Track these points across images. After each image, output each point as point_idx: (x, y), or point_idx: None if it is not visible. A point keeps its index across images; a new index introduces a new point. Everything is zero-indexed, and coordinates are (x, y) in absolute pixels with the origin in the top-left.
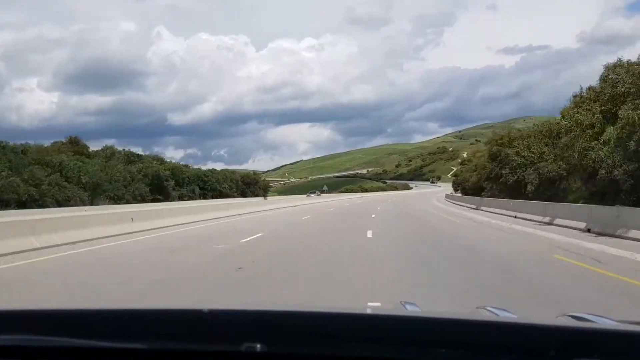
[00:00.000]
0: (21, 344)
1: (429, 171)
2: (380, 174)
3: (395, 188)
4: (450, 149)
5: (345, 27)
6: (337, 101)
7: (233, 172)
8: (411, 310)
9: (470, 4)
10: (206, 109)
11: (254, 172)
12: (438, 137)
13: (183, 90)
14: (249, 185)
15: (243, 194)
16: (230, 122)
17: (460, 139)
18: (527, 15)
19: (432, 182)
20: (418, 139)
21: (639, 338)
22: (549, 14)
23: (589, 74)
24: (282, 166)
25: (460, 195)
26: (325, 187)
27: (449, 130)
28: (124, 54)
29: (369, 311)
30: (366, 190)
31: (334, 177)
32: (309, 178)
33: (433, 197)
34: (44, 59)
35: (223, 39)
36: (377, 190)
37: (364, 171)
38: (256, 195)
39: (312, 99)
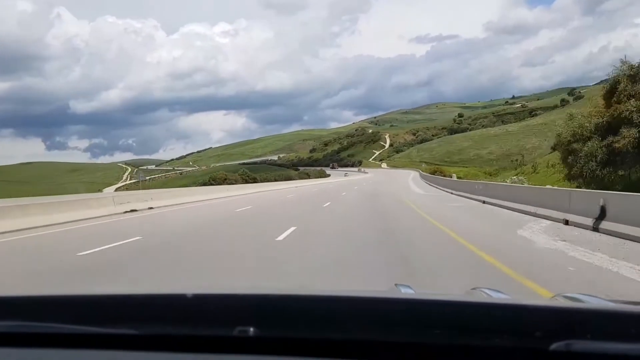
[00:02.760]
0: (9, 331)
1: (348, 155)
2: (292, 160)
3: (307, 175)
4: (370, 131)
5: (260, 12)
6: (252, 88)
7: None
8: (405, 293)
9: None
10: (113, 96)
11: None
12: (354, 124)
13: (87, 76)
14: None
15: None
16: (139, 110)
17: (376, 124)
18: (438, 5)
19: (358, 169)
20: (334, 126)
21: (633, 317)
22: (459, 4)
23: (496, 62)
24: (188, 154)
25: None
26: (142, 175)
27: (364, 117)
28: (21, 36)
29: (363, 294)
30: (254, 181)
31: (239, 164)
32: (211, 166)
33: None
34: None
35: (130, 22)
36: (274, 181)
37: (275, 157)
38: None
39: (227, 86)
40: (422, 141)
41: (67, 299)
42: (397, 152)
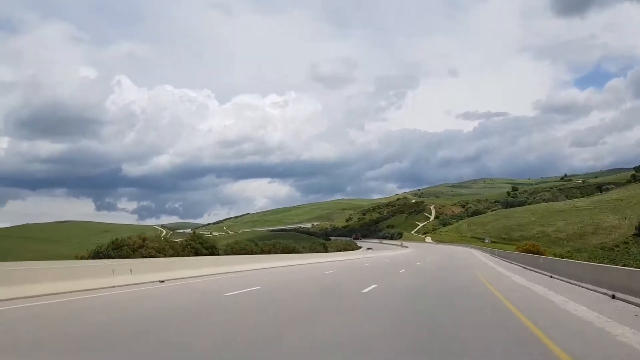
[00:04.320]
0: None
1: (387, 226)
2: (327, 229)
3: (324, 248)
4: (413, 200)
5: (309, 85)
6: (298, 158)
7: None
8: None
9: (433, 69)
10: (163, 161)
11: None
12: (397, 195)
13: (140, 141)
14: None
15: None
16: (187, 175)
17: (420, 197)
18: (486, 83)
19: (401, 243)
20: (376, 197)
21: None
22: (507, 82)
23: (545, 141)
24: (225, 219)
25: None
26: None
27: (407, 190)
28: (81, 101)
29: None
30: (249, 253)
31: (268, 231)
32: (239, 232)
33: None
34: None
35: (186, 91)
36: (283, 252)
37: (309, 225)
38: None
39: (273, 154)
40: (473, 214)
41: None
42: (444, 225)
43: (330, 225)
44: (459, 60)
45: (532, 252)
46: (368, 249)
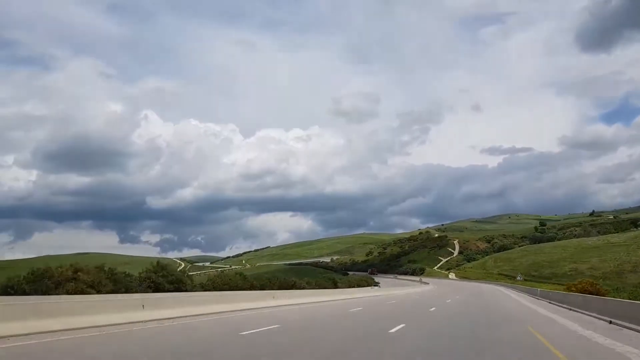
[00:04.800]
0: None
1: (409, 261)
2: (346, 263)
3: (334, 284)
4: (436, 235)
5: (332, 119)
6: (320, 192)
7: None
8: None
9: (456, 104)
10: (187, 194)
11: None
12: (419, 230)
13: (165, 174)
14: None
15: None
16: (210, 208)
17: (443, 231)
18: (511, 118)
19: (420, 279)
20: (399, 232)
21: None
22: (533, 118)
23: (571, 177)
24: (245, 252)
25: None
26: None
27: (431, 225)
28: (108, 135)
29: None
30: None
31: (284, 264)
32: (256, 265)
33: None
34: (25, 136)
35: (211, 125)
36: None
37: (328, 259)
38: None
39: (295, 188)
40: (499, 249)
41: None
42: (469, 260)
43: (350, 260)
44: (482, 95)
45: (591, 293)
46: (374, 285)
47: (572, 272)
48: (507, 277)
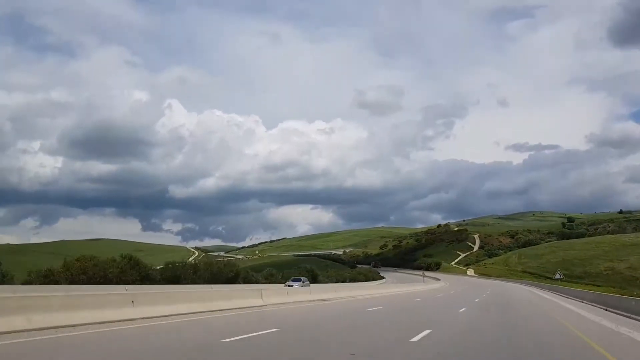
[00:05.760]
0: None
1: (424, 255)
2: (359, 256)
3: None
4: (456, 228)
5: (355, 112)
6: (341, 185)
7: None
8: None
9: (482, 99)
10: (209, 184)
11: None
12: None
13: (188, 164)
14: None
15: None
16: (231, 199)
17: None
18: (538, 115)
19: (422, 274)
20: (420, 227)
21: None
22: (560, 115)
23: (598, 175)
24: (260, 243)
25: None
26: None
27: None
28: (133, 123)
29: None
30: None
31: (293, 256)
32: (265, 255)
33: None
34: (51, 123)
35: (235, 116)
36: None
37: (340, 252)
38: None
39: (317, 180)
40: (524, 245)
41: None
42: (490, 256)
43: (363, 253)
44: (509, 90)
45: None
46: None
47: (609, 271)
48: (532, 275)
